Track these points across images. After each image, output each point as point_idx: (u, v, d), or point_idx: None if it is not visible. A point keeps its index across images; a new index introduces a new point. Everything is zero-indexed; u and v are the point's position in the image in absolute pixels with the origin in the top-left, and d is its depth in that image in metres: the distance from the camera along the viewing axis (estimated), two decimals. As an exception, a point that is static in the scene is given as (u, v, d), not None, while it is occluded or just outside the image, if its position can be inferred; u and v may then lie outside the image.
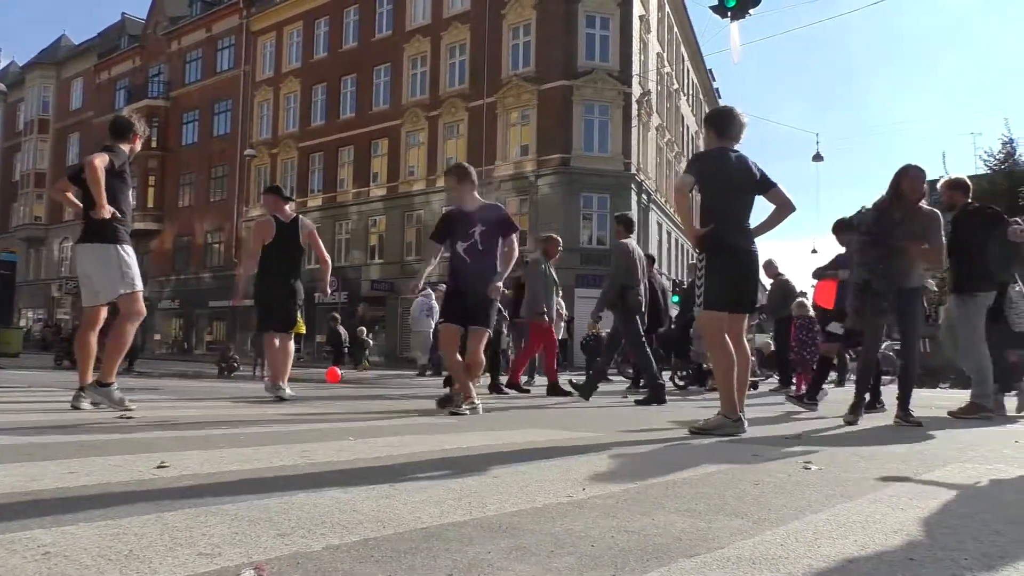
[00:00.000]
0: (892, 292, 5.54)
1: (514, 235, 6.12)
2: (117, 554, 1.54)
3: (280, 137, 38.39)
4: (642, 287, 8.14)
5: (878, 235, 5.60)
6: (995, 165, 29.90)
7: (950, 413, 6.38)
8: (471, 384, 5.95)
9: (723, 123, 4.90)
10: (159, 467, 2.68)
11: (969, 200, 6.57)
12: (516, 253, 6.10)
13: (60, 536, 1.67)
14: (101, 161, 5.06)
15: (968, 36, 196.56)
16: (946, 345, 6.87)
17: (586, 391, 8.39)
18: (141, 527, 1.78)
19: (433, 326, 14.36)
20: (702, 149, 5.07)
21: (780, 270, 11.36)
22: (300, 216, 7.47)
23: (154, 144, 43.79)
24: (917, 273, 5.71)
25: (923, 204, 5.65)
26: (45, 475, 2.46)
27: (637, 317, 8.05)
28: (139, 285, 5.38)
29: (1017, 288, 6.52)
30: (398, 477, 2.62)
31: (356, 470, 2.78)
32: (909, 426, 5.34)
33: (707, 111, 46.21)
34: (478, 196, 6.15)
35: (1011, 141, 30.21)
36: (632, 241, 8.33)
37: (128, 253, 5.33)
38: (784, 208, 4.92)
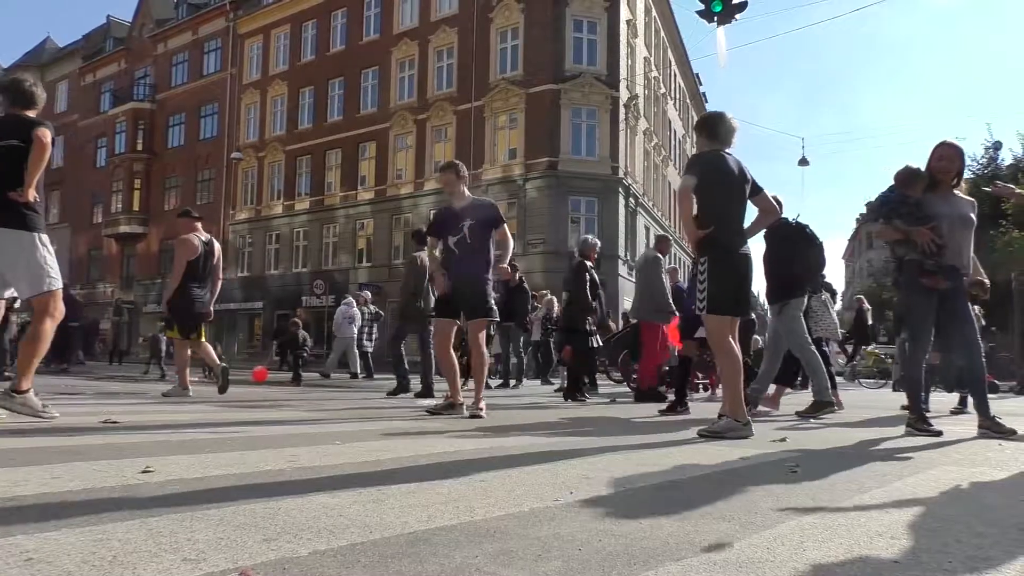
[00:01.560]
0: (944, 272, 4.94)
1: (504, 225, 6.23)
2: (101, 560, 1.53)
3: (267, 140, 38.25)
4: (431, 296, 8.46)
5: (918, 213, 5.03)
6: (978, 170, 30.19)
7: (797, 413, 6.66)
8: (480, 384, 6.13)
9: (715, 127, 4.92)
10: (144, 472, 2.66)
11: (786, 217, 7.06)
12: (511, 241, 6.29)
13: (43, 542, 1.65)
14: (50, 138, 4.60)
15: (952, 41, 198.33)
16: (768, 352, 7.21)
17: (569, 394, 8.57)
18: (125, 532, 1.76)
19: (355, 332, 15.32)
20: (698, 152, 5.00)
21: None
22: (212, 238, 8.61)
23: (140, 147, 43.59)
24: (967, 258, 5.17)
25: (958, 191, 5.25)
26: (28, 480, 2.44)
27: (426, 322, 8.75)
28: (60, 283, 4.83)
29: (822, 298, 7.48)
30: (385, 481, 2.61)
31: (343, 474, 2.77)
32: (1001, 436, 4.79)
33: (694, 115, 46.31)
34: (467, 192, 6.29)
35: (996, 145, 30.51)
36: (424, 252, 8.77)
37: (47, 244, 4.75)
38: (770, 213, 5.00)
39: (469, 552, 1.69)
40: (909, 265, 5.00)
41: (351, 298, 16.02)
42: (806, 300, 7.09)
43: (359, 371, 15.26)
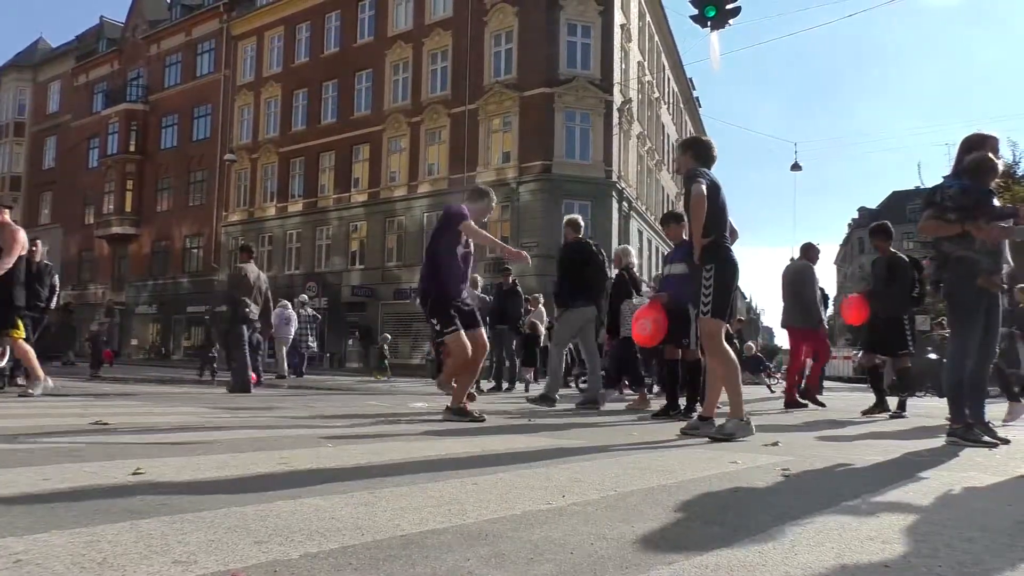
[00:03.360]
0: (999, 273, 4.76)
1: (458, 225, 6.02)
2: (91, 562, 1.52)
3: (260, 142, 38.15)
4: (253, 305, 9.97)
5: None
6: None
7: (530, 400, 8.15)
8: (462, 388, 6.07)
9: (705, 152, 5.15)
10: (134, 474, 2.65)
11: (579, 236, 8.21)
12: (476, 235, 6.04)
13: (33, 543, 1.65)
14: None
15: (941, 48, 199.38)
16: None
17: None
18: (115, 535, 1.76)
19: (292, 334, 16.33)
20: (696, 168, 5.06)
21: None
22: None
23: (132, 148, 43.43)
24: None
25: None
26: (18, 481, 2.43)
27: (244, 327, 9.95)
28: None
29: (631, 303, 8.38)
30: (377, 484, 2.61)
31: (335, 477, 2.77)
32: (970, 444, 4.65)
33: (688, 119, 46.32)
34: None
35: None
36: (251, 265, 10.32)
37: None
38: (733, 235, 5.23)
39: (461, 555, 1.69)
40: (960, 263, 4.70)
41: (286, 302, 16.97)
42: (595, 309, 8.26)
43: (286, 371, 16.04)
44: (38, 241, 9.75)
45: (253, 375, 12.71)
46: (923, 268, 7.73)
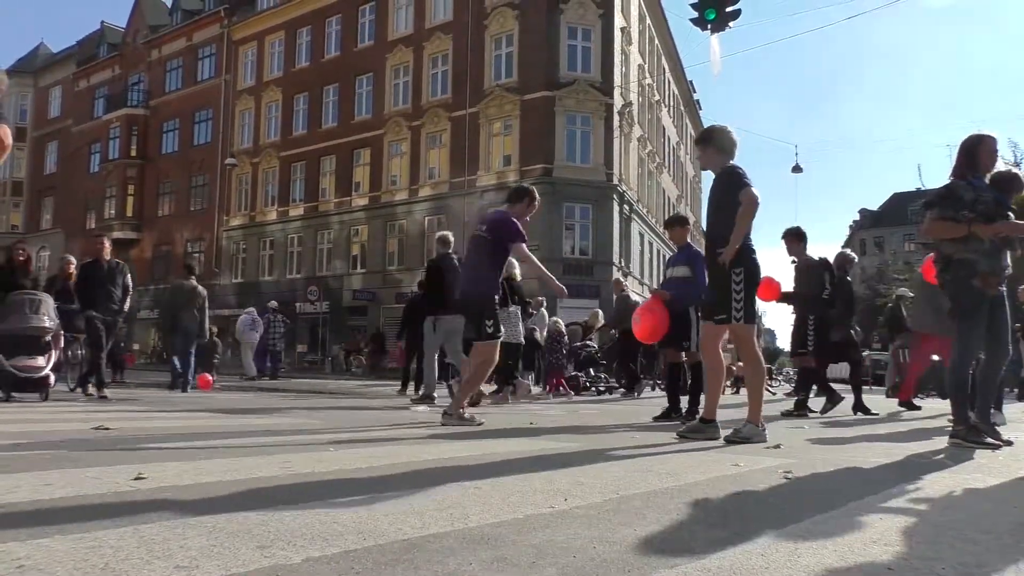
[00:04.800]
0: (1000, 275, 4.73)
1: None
2: (93, 567, 1.52)
3: (261, 146, 38.18)
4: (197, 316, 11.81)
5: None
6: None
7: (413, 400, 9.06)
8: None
9: (728, 142, 5.00)
10: (136, 479, 2.64)
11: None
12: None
13: (35, 549, 1.65)
14: None
15: (942, 48, 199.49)
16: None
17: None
18: (118, 540, 1.75)
19: (256, 338, 17.49)
20: (734, 165, 4.93)
21: (625, 289, 13.19)
22: None
23: (133, 153, 43.46)
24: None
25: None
26: (21, 487, 2.43)
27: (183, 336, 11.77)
28: None
29: (509, 310, 9.43)
30: (380, 488, 2.61)
31: (337, 481, 2.77)
32: (975, 445, 4.59)
33: (688, 122, 46.23)
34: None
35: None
36: (190, 281, 12.09)
37: None
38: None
39: (463, 559, 1.69)
40: (960, 265, 4.68)
41: (252, 308, 19.01)
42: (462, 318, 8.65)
43: (254, 373, 17.12)
44: (104, 239, 9.51)
45: (208, 376, 13.30)
46: (834, 271, 8.19)
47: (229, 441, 4.14)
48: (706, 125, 5.39)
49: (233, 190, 39.14)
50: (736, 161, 4.96)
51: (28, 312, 7.93)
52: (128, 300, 9.37)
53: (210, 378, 13.50)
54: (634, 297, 12.10)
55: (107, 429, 4.61)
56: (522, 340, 10.76)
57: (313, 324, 32.87)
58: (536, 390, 12.96)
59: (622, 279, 14.28)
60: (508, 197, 6.24)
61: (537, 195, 6.14)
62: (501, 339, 6.00)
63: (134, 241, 43.15)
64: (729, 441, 4.62)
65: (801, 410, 7.99)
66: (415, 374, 12.73)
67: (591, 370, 14.72)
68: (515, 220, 5.88)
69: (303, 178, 36.54)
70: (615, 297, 13.53)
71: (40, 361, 7.90)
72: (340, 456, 3.52)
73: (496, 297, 5.97)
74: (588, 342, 15.47)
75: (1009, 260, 4.86)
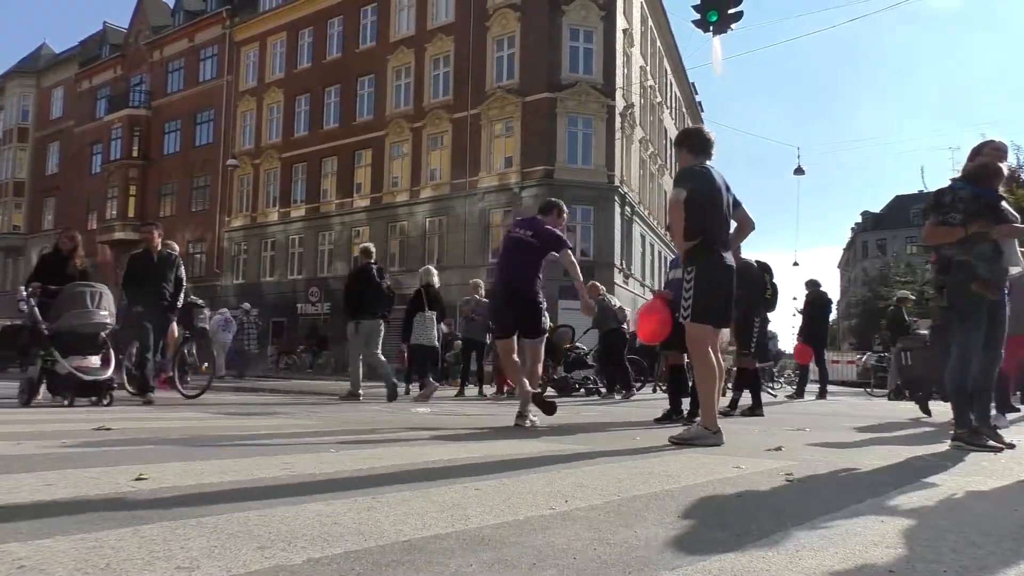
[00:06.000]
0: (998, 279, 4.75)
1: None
2: (94, 568, 1.52)
3: (263, 147, 38.19)
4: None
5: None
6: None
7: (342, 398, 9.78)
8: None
9: (698, 141, 5.05)
10: (137, 479, 2.65)
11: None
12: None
13: (36, 550, 1.65)
14: None
15: (945, 52, 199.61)
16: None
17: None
18: (118, 540, 1.75)
19: (230, 338, 18.25)
20: (692, 166, 4.99)
21: (601, 292, 13.35)
22: None
23: (135, 153, 43.50)
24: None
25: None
26: (21, 487, 2.43)
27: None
28: None
29: (426, 315, 10.98)
30: (380, 489, 2.61)
31: (338, 482, 2.77)
32: (976, 449, 4.58)
33: (690, 124, 46.48)
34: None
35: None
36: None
37: None
38: (748, 226, 5.21)
39: (464, 560, 1.69)
40: (961, 268, 4.69)
41: (225, 309, 19.50)
42: (381, 322, 9.96)
43: (224, 373, 17.41)
44: (153, 229, 8.80)
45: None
46: (772, 272, 8.31)
47: (230, 441, 4.14)
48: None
49: (234, 191, 39.16)
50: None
51: (90, 306, 7.19)
52: (181, 295, 8.66)
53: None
54: (624, 298, 12.06)
55: (108, 429, 4.61)
56: (436, 343, 11.65)
57: (313, 325, 32.89)
58: (489, 391, 13.13)
59: (598, 283, 14.41)
60: (540, 209, 6.62)
61: (565, 208, 6.63)
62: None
63: (136, 242, 43.14)
64: (671, 441, 4.60)
65: (733, 409, 8.07)
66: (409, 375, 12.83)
67: (580, 371, 14.81)
68: (565, 234, 6.35)
69: (304, 179, 36.54)
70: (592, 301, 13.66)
71: (97, 361, 7.23)
72: (340, 457, 3.52)
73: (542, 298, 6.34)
74: (578, 344, 15.52)
75: (1020, 256, 4.85)
